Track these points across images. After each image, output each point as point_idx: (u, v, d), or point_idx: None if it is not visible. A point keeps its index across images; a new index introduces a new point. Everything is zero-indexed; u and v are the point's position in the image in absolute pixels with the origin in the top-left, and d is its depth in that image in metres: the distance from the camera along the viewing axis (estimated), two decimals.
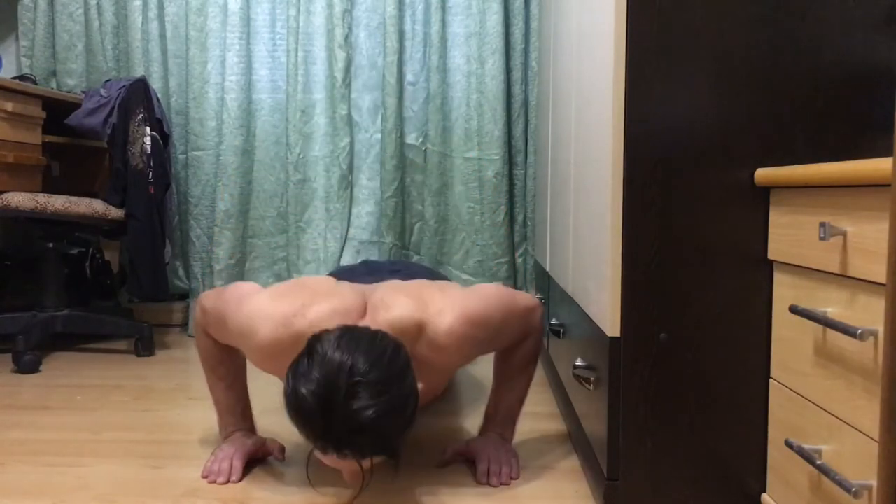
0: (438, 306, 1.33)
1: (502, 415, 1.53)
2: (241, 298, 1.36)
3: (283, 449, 1.50)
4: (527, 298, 1.50)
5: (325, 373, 1.12)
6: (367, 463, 1.16)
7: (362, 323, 1.30)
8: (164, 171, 2.53)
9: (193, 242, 2.91)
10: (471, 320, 1.33)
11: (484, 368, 1.58)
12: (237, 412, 1.52)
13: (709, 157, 1.16)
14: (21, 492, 1.37)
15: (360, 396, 1.11)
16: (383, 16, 2.80)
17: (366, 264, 2.23)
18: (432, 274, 1.95)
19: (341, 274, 1.92)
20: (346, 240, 2.87)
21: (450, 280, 2.08)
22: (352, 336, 1.17)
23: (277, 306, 1.31)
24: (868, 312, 0.84)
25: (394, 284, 1.42)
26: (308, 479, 1.38)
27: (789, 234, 1.06)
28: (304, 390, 1.12)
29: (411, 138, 2.84)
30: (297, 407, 1.13)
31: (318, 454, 1.17)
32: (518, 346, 1.50)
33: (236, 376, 1.51)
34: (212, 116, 2.86)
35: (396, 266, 2.07)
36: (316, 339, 1.18)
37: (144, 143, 2.45)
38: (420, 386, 1.23)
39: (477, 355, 1.45)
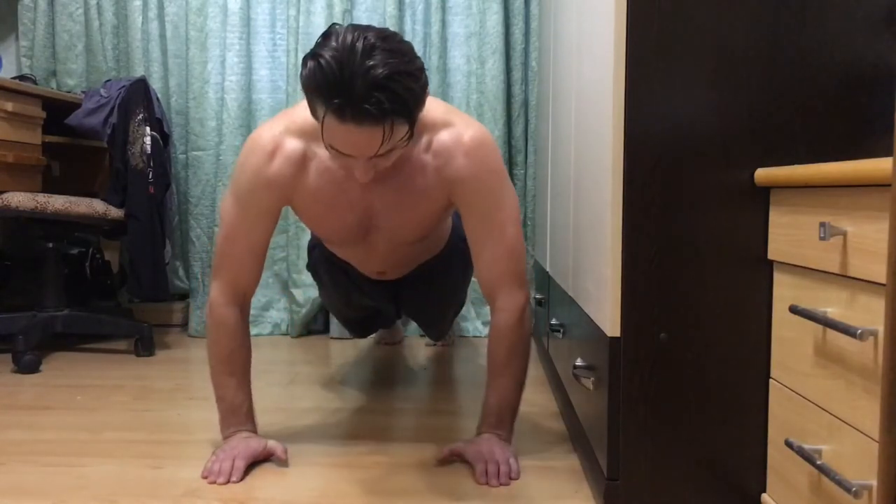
0: (468, 122, 1.48)
1: (496, 412, 1.51)
2: (224, 205, 1.49)
3: (285, 450, 1.49)
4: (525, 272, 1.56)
5: (342, 42, 1.20)
6: (387, 128, 1.23)
7: None
8: (164, 171, 2.53)
9: (193, 242, 2.91)
10: (491, 146, 1.47)
11: (484, 368, 1.58)
12: (242, 412, 1.52)
13: (709, 157, 1.16)
14: (21, 492, 1.37)
15: (375, 56, 1.19)
16: (383, 16, 2.81)
17: None
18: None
19: None
20: None
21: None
22: (362, 24, 1.27)
23: (258, 134, 1.48)
24: (868, 312, 0.84)
25: None
26: None
27: (789, 234, 1.06)
28: (324, 55, 1.20)
29: None
30: (317, 71, 1.21)
31: (334, 138, 1.26)
32: (507, 331, 1.50)
33: (245, 373, 1.52)
34: (212, 116, 2.86)
35: None
36: (329, 29, 1.25)
37: (144, 143, 2.45)
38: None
39: (468, 222, 1.50)
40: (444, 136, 1.45)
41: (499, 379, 1.52)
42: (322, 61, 1.20)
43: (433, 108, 1.43)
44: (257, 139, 1.46)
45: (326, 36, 1.24)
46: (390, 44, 1.22)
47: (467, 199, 1.48)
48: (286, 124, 1.46)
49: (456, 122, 1.46)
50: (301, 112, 1.42)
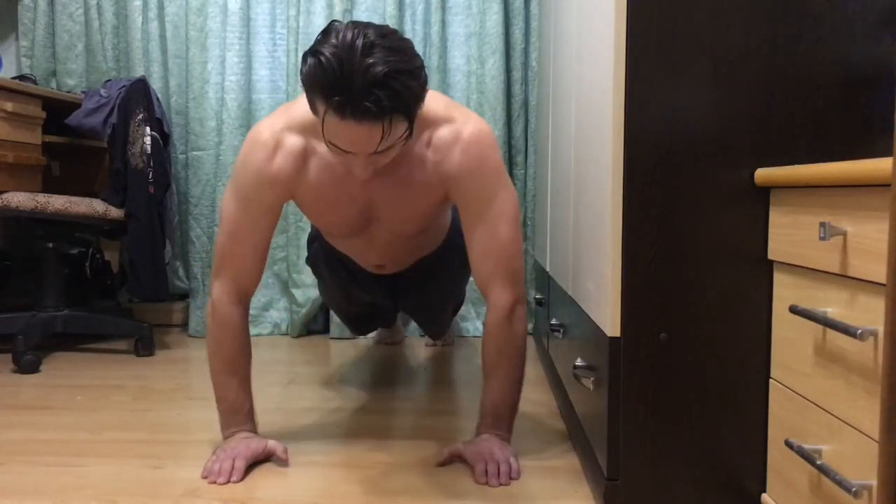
0: (469, 117, 1.47)
1: (496, 409, 1.51)
2: (225, 203, 1.50)
3: (285, 450, 1.49)
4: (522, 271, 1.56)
5: (342, 39, 1.21)
6: (386, 125, 1.23)
7: None
8: (164, 171, 2.53)
9: (193, 242, 2.91)
10: (491, 143, 1.47)
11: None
12: (243, 412, 1.52)
13: (709, 157, 1.16)
14: (21, 492, 1.37)
15: (375, 54, 1.19)
16: (383, 16, 2.81)
17: None
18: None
19: None
20: None
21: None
22: (362, 21, 1.27)
23: (255, 130, 1.47)
24: (868, 312, 0.84)
25: None
26: None
27: (789, 234, 1.06)
28: (324, 53, 1.20)
29: None
30: (317, 68, 1.21)
31: (333, 135, 1.26)
32: (496, 329, 1.49)
33: (246, 374, 1.53)
34: (212, 116, 2.86)
35: None
36: (329, 26, 1.26)
37: (144, 143, 2.45)
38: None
39: (464, 217, 1.50)
40: (443, 132, 1.45)
41: (491, 378, 1.51)
42: (322, 58, 1.20)
43: (434, 102, 1.43)
44: (258, 135, 1.46)
45: (326, 33, 1.24)
46: (390, 41, 1.23)
47: (463, 194, 1.48)
48: (286, 120, 1.46)
49: (456, 118, 1.47)
50: (300, 107, 1.43)
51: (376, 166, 1.35)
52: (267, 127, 1.47)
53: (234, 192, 1.49)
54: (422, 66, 1.28)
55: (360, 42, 1.19)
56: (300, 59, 2.75)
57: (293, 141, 1.45)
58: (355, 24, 1.24)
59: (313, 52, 1.23)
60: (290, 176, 1.46)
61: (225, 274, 1.51)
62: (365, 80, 1.19)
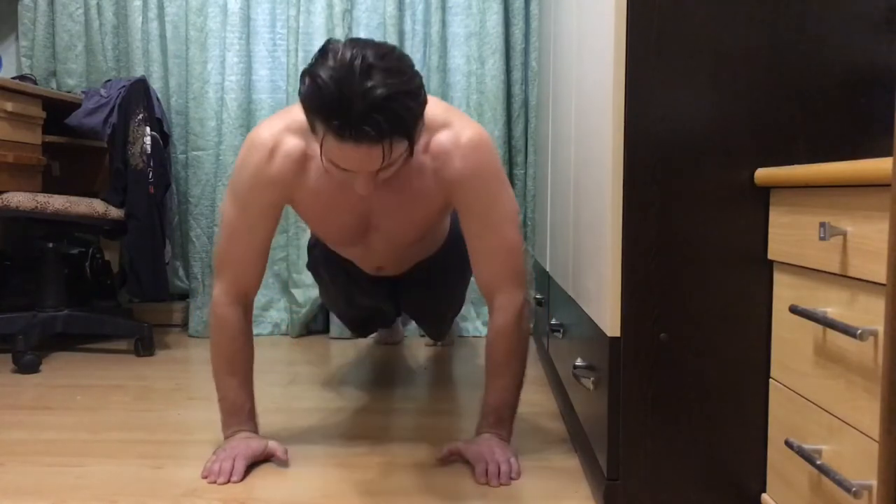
0: (466, 123, 1.46)
1: (499, 409, 1.51)
2: (224, 205, 1.49)
3: (285, 451, 1.49)
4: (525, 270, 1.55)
5: (340, 60, 1.19)
6: (386, 147, 1.22)
7: None
8: (164, 171, 2.53)
9: (193, 242, 2.91)
10: (489, 147, 1.47)
11: (484, 368, 1.58)
12: (244, 412, 1.52)
13: (709, 157, 1.16)
14: (21, 492, 1.37)
15: (374, 76, 1.18)
16: (383, 16, 2.81)
17: None
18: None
19: None
20: None
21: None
22: (360, 39, 1.25)
23: (257, 132, 1.47)
24: (868, 312, 0.84)
25: None
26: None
27: (789, 234, 1.06)
28: (322, 76, 1.19)
29: None
30: (315, 91, 1.20)
31: (333, 156, 1.25)
32: (506, 330, 1.49)
33: (247, 374, 1.52)
34: (212, 116, 2.86)
35: None
36: (327, 45, 1.24)
37: (144, 143, 2.45)
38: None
39: (465, 221, 1.50)
40: (442, 138, 1.44)
41: (498, 379, 1.52)
42: (319, 80, 1.19)
43: (432, 108, 1.43)
44: (257, 137, 1.46)
45: (324, 53, 1.22)
46: (388, 62, 1.21)
47: (465, 200, 1.48)
48: (286, 122, 1.46)
49: (454, 123, 1.46)
50: (300, 110, 1.42)
51: (377, 182, 1.34)
52: (266, 128, 1.46)
53: (232, 193, 1.49)
54: (421, 86, 1.27)
55: (358, 63, 1.18)
56: (300, 59, 2.79)
57: (293, 143, 1.44)
58: (353, 43, 1.22)
59: (311, 72, 1.21)
60: (289, 178, 1.45)
61: (224, 275, 1.51)
62: (364, 103, 1.17)
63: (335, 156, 1.26)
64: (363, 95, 1.17)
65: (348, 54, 1.19)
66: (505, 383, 1.51)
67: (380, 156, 1.23)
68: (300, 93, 1.25)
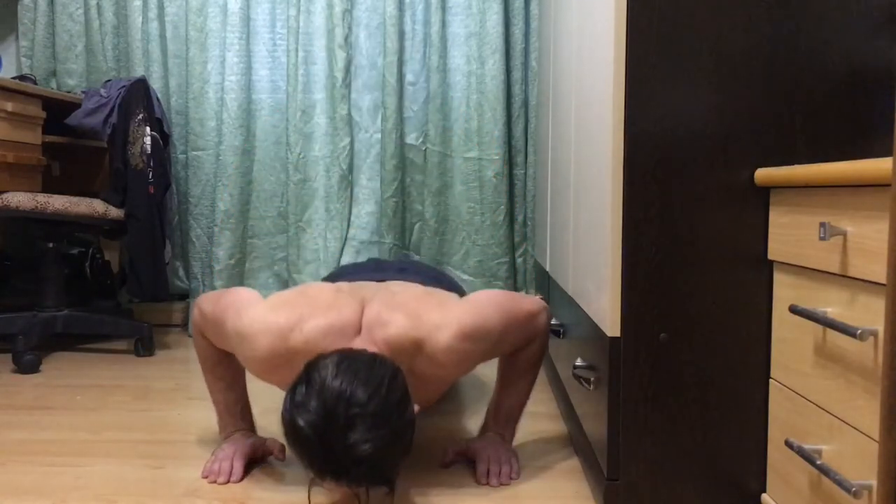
0: (436, 322, 1.30)
1: (504, 416, 1.52)
2: (239, 308, 1.35)
3: (283, 449, 1.49)
4: (531, 302, 1.47)
5: (322, 403, 1.12)
6: (363, 492, 1.20)
7: (358, 340, 1.31)
8: (164, 171, 2.53)
9: (193, 242, 2.91)
10: (469, 336, 1.31)
11: (486, 368, 1.58)
12: (236, 412, 1.52)
13: (709, 157, 1.16)
14: (21, 492, 1.37)
15: (357, 429, 1.10)
16: (383, 16, 2.80)
17: (375, 262, 2.24)
18: (439, 274, 1.96)
19: (350, 270, 1.92)
20: (346, 240, 2.87)
21: (455, 280, 2.09)
22: (350, 363, 1.17)
23: (275, 318, 1.30)
24: (868, 312, 0.84)
25: (389, 298, 1.38)
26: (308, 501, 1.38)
27: (789, 234, 1.06)
28: (301, 421, 1.12)
29: (411, 138, 2.84)
30: (295, 436, 1.14)
31: (317, 480, 1.17)
32: (522, 350, 1.49)
33: (235, 377, 1.51)
34: (212, 116, 2.86)
35: (404, 265, 2.07)
36: (313, 366, 1.17)
37: (144, 143, 2.45)
38: (416, 408, 1.24)
39: (478, 363, 1.44)
40: (429, 348, 1.31)
41: (516, 383, 1.52)
42: (300, 430, 1.12)
43: (403, 321, 1.30)
44: (278, 331, 1.30)
45: (309, 381, 1.14)
46: (375, 403, 1.12)
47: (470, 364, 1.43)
48: (317, 332, 1.31)
49: (428, 325, 1.31)
50: (311, 326, 1.31)
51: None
52: (290, 330, 1.30)
53: (220, 329, 1.38)
54: (409, 422, 1.18)
55: (341, 412, 1.10)
56: (300, 59, 2.80)
57: (300, 362, 1.24)
58: (342, 372, 1.14)
59: (291, 412, 1.14)
60: (279, 381, 1.37)
61: (206, 313, 1.45)
62: (346, 458, 1.11)
63: (319, 481, 1.19)
64: (345, 452, 1.10)
65: (334, 389, 1.12)
66: (521, 387, 1.52)
67: (361, 494, 1.23)
68: (282, 418, 1.16)
